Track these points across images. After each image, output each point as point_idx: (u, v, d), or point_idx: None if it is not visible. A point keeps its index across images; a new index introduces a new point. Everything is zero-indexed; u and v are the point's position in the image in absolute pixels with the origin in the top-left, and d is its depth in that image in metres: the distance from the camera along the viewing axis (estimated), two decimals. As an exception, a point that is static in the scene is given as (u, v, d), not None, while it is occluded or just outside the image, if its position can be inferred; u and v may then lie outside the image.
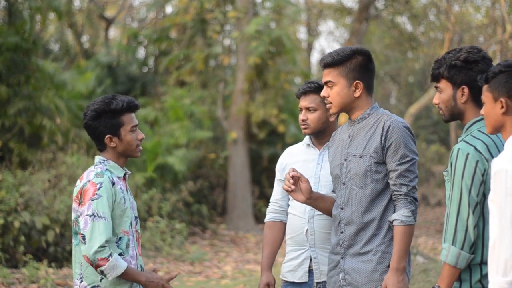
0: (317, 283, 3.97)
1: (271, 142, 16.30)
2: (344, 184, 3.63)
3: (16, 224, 8.77)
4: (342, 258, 3.62)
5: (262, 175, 16.47)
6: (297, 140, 14.36)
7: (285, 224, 4.16)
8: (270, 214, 4.20)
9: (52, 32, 20.41)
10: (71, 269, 9.07)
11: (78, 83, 13.90)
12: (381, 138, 3.52)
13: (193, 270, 10.35)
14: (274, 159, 15.82)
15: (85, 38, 22.01)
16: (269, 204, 4.23)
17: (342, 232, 3.62)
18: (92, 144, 12.18)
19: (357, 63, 3.60)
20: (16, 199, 8.97)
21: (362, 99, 3.63)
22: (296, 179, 3.69)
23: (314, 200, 3.75)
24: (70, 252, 9.56)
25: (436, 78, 3.38)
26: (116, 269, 3.47)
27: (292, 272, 4.04)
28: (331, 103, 3.65)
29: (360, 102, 3.63)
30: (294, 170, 3.70)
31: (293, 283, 4.05)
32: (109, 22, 19.60)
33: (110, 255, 3.46)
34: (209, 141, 15.49)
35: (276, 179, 4.22)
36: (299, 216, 4.02)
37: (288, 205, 4.15)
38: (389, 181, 3.52)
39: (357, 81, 3.60)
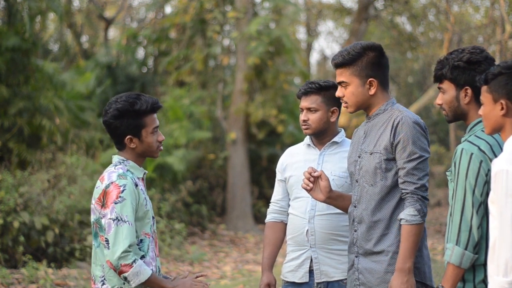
0: (318, 283, 3.97)
1: (270, 142, 16.30)
2: (357, 181, 3.58)
3: (16, 224, 8.77)
4: (356, 257, 3.58)
5: (261, 175, 16.47)
6: (296, 140, 14.36)
7: (286, 224, 4.16)
8: (271, 215, 4.20)
9: (52, 32, 20.40)
10: (71, 269, 9.06)
11: (78, 83, 13.90)
12: (391, 135, 3.46)
13: (193, 271, 10.35)
14: (273, 159, 15.83)
15: (84, 38, 22.01)
16: (270, 204, 4.23)
17: (355, 231, 3.58)
18: (92, 144, 12.20)
19: (369, 60, 3.53)
20: (15, 199, 8.97)
21: (378, 95, 3.57)
22: (315, 178, 3.65)
23: (333, 199, 3.69)
24: (69, 253, 9.56)
25: (439, 79, 3.37)
26: (140, 276, 3.39)
27: (292, 272, 4.05)
28: (347, 102, 3.59)
29: (376, 99, 3.57)
30: (313, 169, 3.65)
31: (293, 283, 4.05)
32: (109, 22, 19.59)
33: (134, 261, 3.38)
34: (208, 141, 15.48)
35: (276, 179, 4.22)
36: (299, 217, 4.02)
37: (289, 206, 4.15)
38: (398, 179, 3.46)
39: (371, 79, 3.54)
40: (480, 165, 3.10)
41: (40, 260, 9.16)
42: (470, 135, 3.25)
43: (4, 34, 11.15)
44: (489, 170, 3.09)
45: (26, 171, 10.04)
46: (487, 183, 3.10)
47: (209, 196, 15.62)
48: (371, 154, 3.52)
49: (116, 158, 3.59)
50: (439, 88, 3.38)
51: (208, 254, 11.79)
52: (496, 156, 3.10)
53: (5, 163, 10.81)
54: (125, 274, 3.38)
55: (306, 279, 4.00)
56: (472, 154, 3.12)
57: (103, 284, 3.49)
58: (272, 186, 15.55)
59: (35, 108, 11.29)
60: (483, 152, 3.12)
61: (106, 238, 3.41)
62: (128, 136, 3.53)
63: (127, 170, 3.52)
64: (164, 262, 10.62)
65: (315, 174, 3.64)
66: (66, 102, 12.14)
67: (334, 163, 4.04)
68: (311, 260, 3.98)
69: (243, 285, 9.15)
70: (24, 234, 9.00)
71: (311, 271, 3.99)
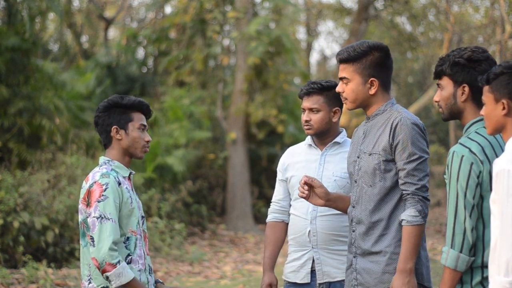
0: (320, 284, 3.97)
1: (270, 142, 16.30)
2: (356, 182, 3.58)
3: (16, 224, 8.77)
4: (354, 257, 3.58)
5: (261, 175, 16.47)
6: (296, 140, 14.36)
7: (287, 224, 4.15)
8: (272, 214, 4.19)
9: (52, 32, 20.40)
10: (71, 269, 9.06)
11: (78, 83, 13.89)
12: (389, 136, 3.46)
13: (192, 271, 10.34)
14: (273, 159, 15.83)
15: (84, 38, 22.00)
16: (271, 204, 4.22)
17: (353, 231, 3.58)
18: (92, 144, 12.18)
19: (373, 60, 3.53)
20: (15, 199, 8.96)
21: (378, 96, 3.56)
22: (309, 186, 3.66)
23: (333, 201, 3.71)
24: (69, 253, 9.56)
25: (438, 75, 3.35)
26: (121, 278, 3.44)
27: (294, 272, 4.04)
28: (346, 99, 3.59)
29: (376, 99, 3.56)
30: (307, 177, 3.66)
31: (295, 283, 4.05)
32: (109, 22, 19.58)
33: (118, 262, 3.44)
34: (208, 141, 15.48)
35: (277, 179, 4.21)
36: (301, 217, 4.02)
37: (290, 205, 4.15)
38: (398, 180, 3.45)
39: (373, 79, 3.53)
40: (471, 167, 3.08)
41: (40, 260, 9.15)
42: (464, 137, 3.24)
43: (4, 34, 11.14)
44: (480, 172, 3.08)
45: (26, 171, 10.03)
46: (480, 185, 3.09)
47: (209, 196, 15.61)
48: (370, 155, 3.52)
49: (102, 159, 3.67)
50: (438, 84, 3.37)
51: (208, 254, 11.79)
52: (488, 158, 3.09)
53: (5, 163, 10.81)
54: (107, 274, 3.44)
55: (307, 279, 4.00)
56: (463, 156, 3.10)
57: (90, 283, 3.56)
58: (272, 186, 15.50)
59: (35, 108, 11.28)
60: (474, 154, 3.10)
61: (91, 236, 3.49)
62: (114, 126, 3.63)
63: (112, 170, 3.60)
64: (164, 262, 10.62)
65: (308, 181, 3.64)
66: (66, 102, 12.13)
67: (336, 163, 4.03)
68: (313, 260, 3.98)
69: (243, 285, 9.15)
70: (24, 234, 8.99)
71: (312, 272, 3.99)
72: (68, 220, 9.56)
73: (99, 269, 3.46)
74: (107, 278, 3.45)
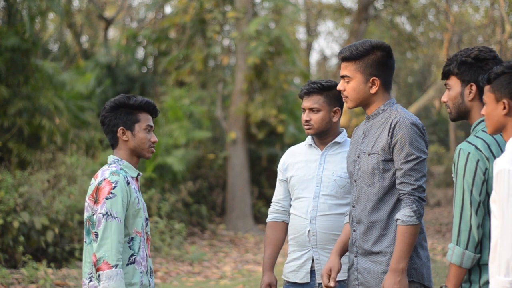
0: (319, 283, 3.97)
1: (270, 142, 16.30)
2: (355, 181, 3.59)
3: (15, 224, 8.76)
4: (355, 257, 3.59)
5: (261, 175, 16.46)
6: (296, 140, 14.37)
7: (287, 224, 4.15)
8: (272, 214, 4.19)
9: (51, 32, 20.40)
10: (70, 269, 9.06)
11: (77, 83, 13.89)
12: (388, 136, 3.46)
13: (192, 271, 10.34)
14: (273, 159, 15.83)
15: (84, 39, 22.01)
16: (271, 204, 4.23)
17: (354, 231, 3.59)
18: (91, 144, 12.18)
19: (375, 59, 3.54)
20: (15, 199, 8.96)
21: (379, 95, 3.57)
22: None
23: (340, 257, 3.69)
24: (69, 253, 9.56)
25: (446, 75, 3.37)
26: (111, 282, 3.42)
27: (294, 272, 4.04)
28: (347, 97, 3.59)
29: (376, 98, 3.57)
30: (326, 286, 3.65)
31: (294, 283, 4.05)
32: (108, 22, 19.58)
33: (116, 266, 3.43)
34: (208, 141, 15.48)
35: (278, 179, 4.21)
36: (301, 217, 4.02)
37: (290, 205, 4.15)
38: (395, 179, 3.46)
39: (374, 78, 3.54)
40: (477, 164, 3.09)
41: (40, 260, 9.15)
42: (471, 135, 3.25)
43: (4, 34, 11.14)
44: (486, 169, 3.09)
45: (26, 171, 10.02)
46: (486, 182, 3.09)
47: (209, 196, 15.61)
48: (369, 155, 3.52)
49: (111, 158, 3.68)
50: (445, 85, 3.38)
51: (208, 254, 11.79)
52: (494, 155, 3.10)
53: (5, 163, 10.80)
54: (100, 272, 3.43)
55: (307, 279, 4.00)
56: (469, 153, 3.11)
57: (90, 281, 3.55)
58: (272, 186, 15.47)
59: (35, 108, 11.28)
60: (480, 151, 3.11)
61: (95, 232, 3.49)
62: (120, 127, 3.63)
63: (121, 169, 3.61)
64: (164, 262, 10.61)
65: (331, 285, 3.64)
66: (66, 102, 12.13)
67: (336, 163, 4.03)
68: (313, 260, 3.98)
69: (243, 285, 9.14)
70: (24, 234, 8.99)
71: (312, 272, 3.99)
72: (68, 220, 9.56)
73: (95, 266, 3.45)
74: (98, 276, 3.43)
